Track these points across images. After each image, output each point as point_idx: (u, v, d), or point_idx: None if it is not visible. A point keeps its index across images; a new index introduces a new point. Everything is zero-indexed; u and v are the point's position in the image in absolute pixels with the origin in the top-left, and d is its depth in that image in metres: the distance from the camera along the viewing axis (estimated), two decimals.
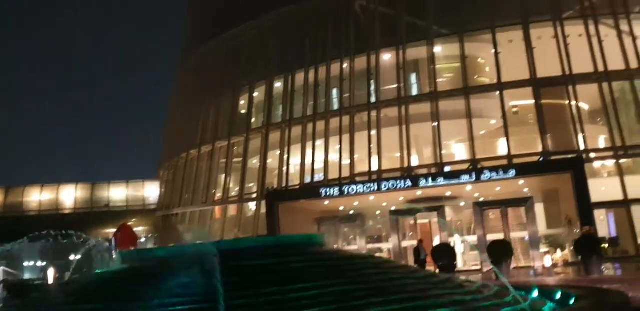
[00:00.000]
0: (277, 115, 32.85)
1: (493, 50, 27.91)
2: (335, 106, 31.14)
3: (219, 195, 34.41)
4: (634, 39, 26.86)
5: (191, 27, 42.77)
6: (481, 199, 26.69)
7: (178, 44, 45.03)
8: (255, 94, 34.30)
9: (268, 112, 32.88)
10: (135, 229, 30.49)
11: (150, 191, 52.02)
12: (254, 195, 32.25)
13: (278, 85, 33.06)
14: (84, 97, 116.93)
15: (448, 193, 26.39)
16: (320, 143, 30.02)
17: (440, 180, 24.91)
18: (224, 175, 34.21)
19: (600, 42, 26.88)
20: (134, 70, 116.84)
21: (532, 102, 27.23)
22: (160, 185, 44.53)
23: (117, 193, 54.01)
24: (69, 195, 53.77)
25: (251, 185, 33.26)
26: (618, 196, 24.29)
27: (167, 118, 44.20)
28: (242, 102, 35.11)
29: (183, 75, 41.74)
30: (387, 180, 25.96)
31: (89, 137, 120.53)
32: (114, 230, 27.62)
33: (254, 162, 33.39)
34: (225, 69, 35.84)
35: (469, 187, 25.39)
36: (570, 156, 25.24)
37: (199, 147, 36.08)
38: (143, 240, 43.73)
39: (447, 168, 27.52)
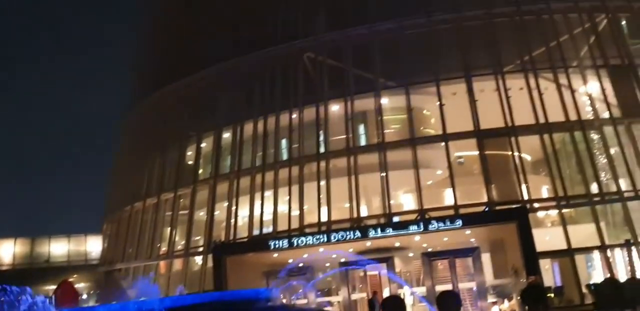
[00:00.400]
0: (225, 166, 33.13)
1: (438, 102, 29.14)
2: (285, 156, 31.69)
3: (164, 249, 34.03)
4: (573, 92, 28.50)
5: (137, 78, 43.15)
6: (429, 249, 27.29)
7: (123, 95, 45.34)
8: (203, 145, 34.61)
9: (216, 162, 33.12)
10: (76, 285, 29.85)
11: (93, 245, 50.99)
12: (201, 249, 32.06)
13: (226, 135, 33.48)
14: (25, 148, 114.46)
15: (397, 244, 26.92)
16: (269, 194, 30.32)
17: (389, 231, 25.44)
18: (169, 228, 33.93)
19: (540, 94, 28.43)
20: (78, 122, 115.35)
21: (477, 152, 28.35)
22: (103, 239, 43.72)
23: (58, 248, 52.75)
24: (7, 250, 52.26)
25: (197, 238, 33.08)
26: (562, 245, 25.23)
27: (112, 170, 43.88)
28: (189, 153, 35.31)
29: (128, 126, 41.81)
30: (337, 231, 26.30)
31: (28, 189, 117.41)
32: (54, 287, 26.99)
33: (201, 215, 33.33)
34: (171, 119, 36.22)
35: (417, 237, 25.99)
36: (514, 206, 26.22)
37: (144, 199, 35.86)
38: (85, 297, 42.61)
39: (395, 219, 28.12)
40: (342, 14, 32.27)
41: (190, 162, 35.26)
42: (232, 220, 31.07)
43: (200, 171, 34.56)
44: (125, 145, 41.89)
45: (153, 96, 37.95)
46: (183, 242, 33.24)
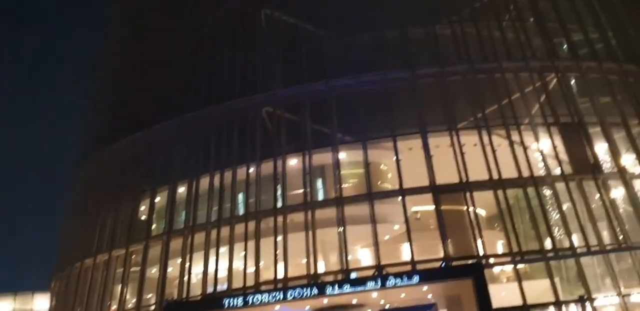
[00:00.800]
0: (180, 222, 33.01)
1: (394, 157, 29.96)
2: (241, 211, 31.82)
3: (114, 307, 33.26)
4: (525, 148, 29.64)
5: (90, 131, 43.19)
6: (387, 306, 27.44)
7: (75, 150, 45.20)
8: (157, 199, 34.45)
9: (170, 218, 33.00)
10: None
11: (40, 304, 49.52)
12: (152, 307, 31.48)
13: (182, 190, 33.52)
14: None
15: (354, 301, 26.99)
16: (224, 250, 30.24)
17: (347, 287, 25.53)
18: (120, 286, 33.35)
19: (493, 151, 29.47)
20: (26, 178, 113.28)
21: (433, 207, 29.03)
22: (51, 297, 42.55)
23: (2, 307, 50.99)
24: None
25: (149, 296, 32.55)
26: (517, 301, 25.70)
27: (62, 226, 43.20)
28: (142, 208, 35.12)
29: (80, 181, 41.52)
30: (293, 288, 26.24)
31: None
32: None
33: (153, 272, 32.90)
34: (125, 173, 36.20)
35: (374, 294, 26.14)
36: (470, 262, 26.78)
37: (95, 255, 35.24)
38: None
39: (353, 275, 28.31)
40: (300, 69, 33.28)
41: (143, 217, 35.04)
42: (186, 277, 30.74)
43: (154, 226, 34.30)
44: (76, 199, 41.42)
45: (107, 149, 37.94)
46: (134, 300, 32.61)
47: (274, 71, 34.04)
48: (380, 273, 26.91)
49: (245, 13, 36.28)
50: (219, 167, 32.42)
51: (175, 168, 34.12)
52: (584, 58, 32.65)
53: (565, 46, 33.47)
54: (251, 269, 29.15)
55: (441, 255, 27.77)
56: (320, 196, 31.93)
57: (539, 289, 26.62)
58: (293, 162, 31.76)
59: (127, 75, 40.30)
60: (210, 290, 29.71)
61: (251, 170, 31.68)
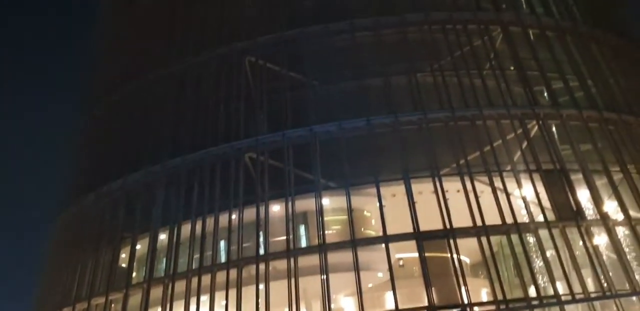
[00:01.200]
0: (160, 269, 32.89)
1: (378, 204, 30.29)
2: (223, 259, 31.82)
3: None
4: (508, 195, 30.11)
5: (69, 179, 43.28)
6: None
7: (53, 197, 45.21)
8: (138, 247, 34.36)
9: (150, 265, 32.85)
10: None
11: None
12: None
13: (162, 237, 33.53)
14: None
15: None
16: (205, 298, 30.01)
17: None
18: None
19: (476, 197, 29.91)
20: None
21: (416, 254, 29.20)
22: None
23: None
24: None
25: None
26: None
27: (40, 275, 42.75)
28: (122, 256, 35.02)
29: (59, 229, 41.35)
30: None
31: None
32: None
33: None
34: (104, 221, 36.13)
35: None
36: (455, 310, 26.83)
37: (73, 304, 34.80)
38: None
39: None
40: (283, 115, 33.92)
41: (123, 265, 34.88)
42: None
43: (134, 274, 34.14)
44: (56, 246, 41.16)
45: (88, 196, 37.99)
46: None
47: (258, 117, 34.69)
48: None
49: (229, 60, 37.09)
50: (201, 214, 32.57)
51: (156, 215, 34.21)
52: (564, 106, 33.56)
53: (545, 94, 34.46)
54: None
55: (425, 303, 27.80)
56: (303, 243, 32.06)
57: None
58: (276, 208, 31.97)
59: (109, 120, 40.81)
60: None
61: (233, 216, 31.82)
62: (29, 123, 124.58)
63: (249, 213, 31.50)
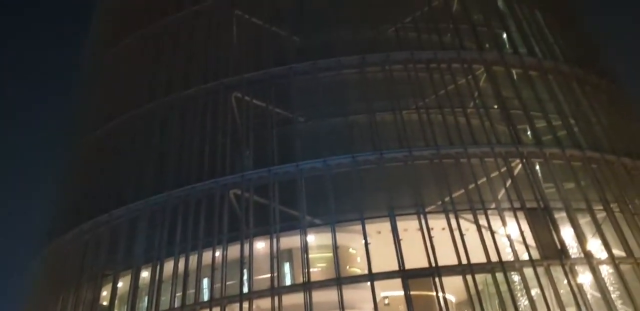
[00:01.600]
0: (142, 308, 32.62)
1: (363, 241, 30.46)
2: (206, 297, 31.69)
3: None
4: (492, 233, 30.43)
5: (50, 216, 43.03)
6: None
7: (36, 232, 44.84)
8: (120, 284, 34.11)
9: (132, 304, 32.61)
10: None
11: None
12: None
13: (145, 274, 33.35)
14: None
15: None
16: None
17: None
18: None
19: (462, 235, 30.20)
20: None
21: (402, 293, 29.29)
22: None
23: None
24: None
25: None
26: None
27: None
28: (104, 293, 34.71)
29: (40, 265, 40.93)
30: None
31: None
32: None
33: None
34: (86, 258, 35.90)
35: None
36: None
37: None
38: None
39: None
40: (269, 151, 34.27)
41: (105, 303, 34.55)
42: None
43: None
44: (36, 284, 40.70)
45: (71, 231, 37.80)
46: None
47: (244, 153, 35.00)
48: None
49: (215, 95, 37.53)
50: (184, 251, 32.52)
51: (139, 252, 34.09)
52: (547, 144, 34.21)
53: (529, 132, 35.14)
54: None
55: None
56: (288, 281, 32.04)
57: None
58: (260, 246, 32.03)
59: (93, 156, 40.91)
60: None
61: (217, 254, 31.81)
62: (15, 154, 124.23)
63: (233, 251, 31.52)
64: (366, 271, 29.86)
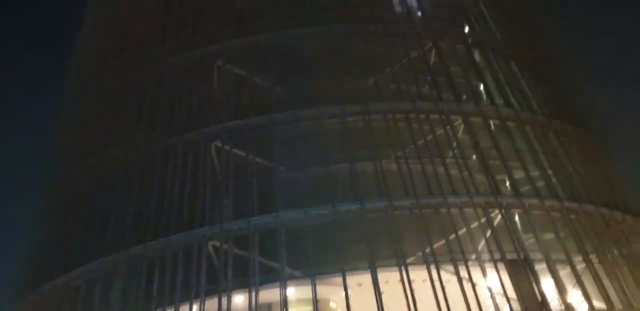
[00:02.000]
0: None
1: (344, 294, 30.11)
2: None
3: None
4: (473, 285, 30.29)
5: (24, 269, 42.23)
6: None
7: (10, 285, 43.88)
8: None
9: None
10: None
11: None
12: None
13: None
14: None
15: None
16: None
17: None
18: None
19: (442, 287, 30.00)
20: None
21: None
22: None
23: None
24: None
25: None
26: None
27: None
28: None
29: None
30: None
31: None
32: None
33: None
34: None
35: None
36: None
37: None
38: None
39: None
40: (249, 201, 34.08)
41: None
42: None
43: None
44: None
45: (46, 285, 36.99)
46: None
47: (223, 204, 34.74)
48: None
49: (195, 145, 37.51)
50: (161, 305, 31.85)
51: (115, 306, 33.38)
52: (526, 195, 34.47)
53: (507, 183, 35.42)
54: None
55: None
56: None
57: None
58: (239, 300, 31.51)
59: (70, 207, 40.40)
60: None
61: (195, 308, 31.20)
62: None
63: (211, 305, 30.93)
64: None
